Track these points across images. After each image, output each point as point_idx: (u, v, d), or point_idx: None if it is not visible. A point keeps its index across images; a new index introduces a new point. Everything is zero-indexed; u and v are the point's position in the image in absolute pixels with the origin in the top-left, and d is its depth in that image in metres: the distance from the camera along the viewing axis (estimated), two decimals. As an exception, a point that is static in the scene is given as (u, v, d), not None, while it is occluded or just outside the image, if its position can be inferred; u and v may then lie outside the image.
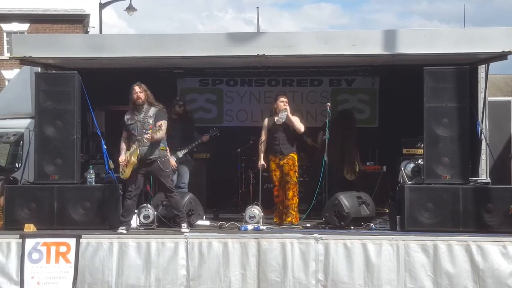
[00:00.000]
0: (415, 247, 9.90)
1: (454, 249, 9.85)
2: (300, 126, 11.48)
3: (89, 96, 11.24)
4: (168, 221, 10.91)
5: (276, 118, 11.57)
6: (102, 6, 31.52)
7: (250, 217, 11.09)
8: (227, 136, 14.12)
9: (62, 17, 41.37)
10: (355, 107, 14.58)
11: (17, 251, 10.12)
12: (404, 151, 13.00)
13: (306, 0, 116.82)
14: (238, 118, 15.17)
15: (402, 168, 11.36)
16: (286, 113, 11.44)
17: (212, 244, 10.09)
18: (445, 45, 10.78)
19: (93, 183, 10.96)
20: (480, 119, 11.35)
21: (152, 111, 10.62)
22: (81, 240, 10.13)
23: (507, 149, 13.38)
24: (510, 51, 10.66)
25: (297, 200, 11.55)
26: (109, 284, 10.08)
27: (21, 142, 13.30)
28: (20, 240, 10.13)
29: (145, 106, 10.62)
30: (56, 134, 10.91)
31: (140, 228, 10.90)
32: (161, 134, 10.49)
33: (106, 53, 11.22)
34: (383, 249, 9.92)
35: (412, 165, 11.36)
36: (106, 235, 10.32)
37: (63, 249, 10.09)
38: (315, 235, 10.11)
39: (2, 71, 40.77)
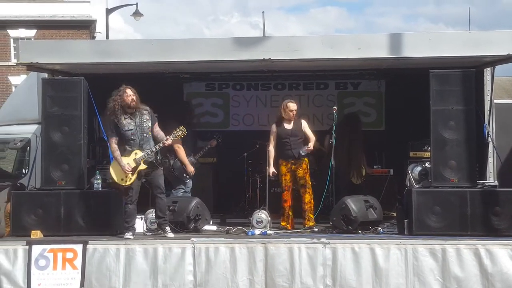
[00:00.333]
0: (424, 251, 9.85)
1: (463, 253, 9.80)
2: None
3: (95, 101, 11.25)
4: (175, 227, 10.88)
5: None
6: (108, 11, 31.58)
7: (257, 222, 11.07)
8: (233, 140, 14.13)
9: (68, 23, 41.47)
10: (361, 110, 14.56)
11: (24, 257, 10.11)
12: (411, 154, 12.96)
13: (312, 4, 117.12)
14: (244, 122, 15.15)
15: (409, 172, 11.32)
16: (306, 148, 11.48)
17: (219, 249, 10.07)
18: (450, 48, 10.75)
19: (100, 189, 10.95)
20: (486, 122, 11.31)
21: (146, 114, 10.56)
22: (87, 246, 10.12)
23: (515, 151, 13.35)
24: (515, 54, 10.64)
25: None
26: (116, 290, 10.08)
27: (28, 148, 13.31)
28: (27, 247, 10.12)
29: (138, 109, 10.55)
30: (63, 139, 10.91)
31: (147, 234, 10.89)
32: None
33: (113, 59, 11.23)
34: (391, 253, 9.88)
35: (419, 168, 11.31)
36: (113, 241, 10.31)
37: (69, 255, 10.07)
38: (322, 239, 10.08)
39: (9, 77, 40.87)
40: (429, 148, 11.07)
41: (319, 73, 13.63)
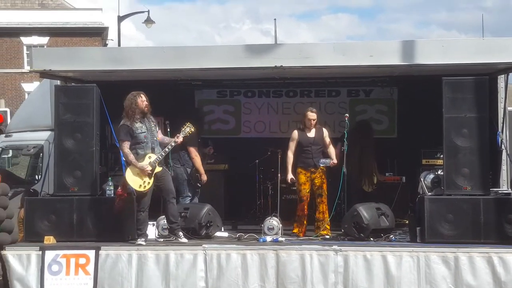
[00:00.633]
0: (436, 259, 9.83)
1: (476, 261, 9.77)
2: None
3: (107, 108, 11.28)
4: (187, 233, 10.89)
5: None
6: (120, 19, 31.70)
7: (269, 229, 11.06)
8: (245, 147, 14.13)
9: (81, 30, 41.66)
10: (373, 117, 14.52)
11: (37, 263, 10.17)
12: (424, 161, 12.92)
13: (324, 11, 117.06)
14: (256, 129, 15.12)
15: (422, 179, 11.30)
16: (331, 162, 11.45)
17: (230, 256, 10.08)
18: (463, 55, 10.72)
19: (112, 195, 10.97)
20: (500, 129, 11.27)
21: (153, 121, 10.68)
22: (100, 252, 10.16)
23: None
24: (529, 61, 10.61)
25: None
26: (128, 296, 10.09)
27: (41, 154, 13.38)
28: (40, 252, 10.17)
29: (147, 115, 10.63)
30: (76, 146, 10.94)
31: (159, 240, 10.90)
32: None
33: (125, 66, 11.27)
34: (403, 261, 9.86)
35: (431, 176, 11.30)
36: (125, 246, 10.35)
37: (82, 261, 10.12)
38: (334, 246, 10.08)
39: (22, 84, 41.07)
40: (441, 156, 11.03)
41: (330, 80, 13.62)
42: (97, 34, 42.48)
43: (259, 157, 13.64)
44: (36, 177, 13.66)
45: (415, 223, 10.61)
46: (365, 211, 10.87)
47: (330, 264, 9.93)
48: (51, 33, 41.41)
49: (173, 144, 10.58)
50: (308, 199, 11.53)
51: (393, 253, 9.92)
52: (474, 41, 11.23)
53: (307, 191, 11.49)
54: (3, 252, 10.31)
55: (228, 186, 13.92)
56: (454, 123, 10.50)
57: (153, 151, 10.50)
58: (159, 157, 10.46)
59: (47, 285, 10.05)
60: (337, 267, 9.93)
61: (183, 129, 10.66)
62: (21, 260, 10.20)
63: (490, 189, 10.71)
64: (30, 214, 10.83)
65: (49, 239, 10.53)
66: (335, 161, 11.45)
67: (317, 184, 11.50)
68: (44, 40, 41.28)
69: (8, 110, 16.27)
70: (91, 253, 10.13)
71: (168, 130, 11.47)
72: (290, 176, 11.52)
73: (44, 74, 11.66)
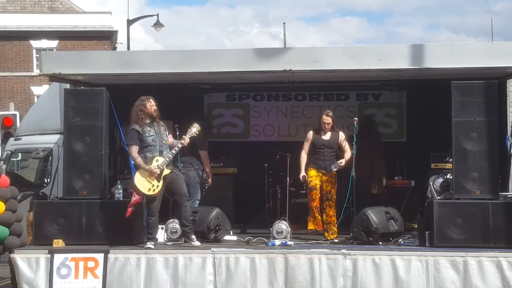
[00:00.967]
0: (445, 263, 9.81)
1: (485, 265, 9.75)
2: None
3: (116, 111, 11.30)
4: (196, 236, 10.88)
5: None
6: (129, 22, 31.75)
7: (278, 232, 11.01)
8: (254, 151, 14.13)
9: (90, 33, 41.78)
10: (382, 121, 14.50)
11: (46, 266, 10.18)
12: (433, 165, 12.90)
13: (332, 14, 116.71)
14: (265, 133, 15.12)
15: (431, 183, 11.27)
16: (338, 164, 11.39)
17: (239, 259, 10.07)
18: (472, 59, 10.70)
19: (121, 198, 10.99)
20: (509, 133, 11.24)
21: (162, 125, 10.71)
22: (109, 255, 10.17)
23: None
24: (539, 65, 10.58)
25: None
26: (137, 299, 10.09)
27: (50, 157, 13.39)
28: (49, 256, 10.19)
29: (156, 120, 10.66)
30: (85, 149, 10.95)
31: (168, 243, 10.90)
32: None
33: (134, 70, 11.28)
34: (412, 265, 9.85)
35: (440, 180, 11.25)
36: (134, 250, 10.36)
37: (91, 264, 10.13)
38: (343, 250, 10.07)
39: (31, 88, 41.19)
40: (450, 160, 10.99)
41: (339, 84, 13.61)
42: (106, 37, 42.57)
43: (268, 160, 13.65)
44: (45, 180, 13.69)
45: (424, 227, 10.58)
46: (374, 215, 10.85)
47: (339, 268, 9.92)
48: (61, 37, 41.53)
49: (179, 146, 10.60)
50: (318, 188, 11.41)
51: (402, 257, 9.91)
52: (483, 45, 11.24)
53: (318, 181, 11.42)
54: (12, 255, 10.34)
55: (237, 190, 13.92)
56: (463, 127, 10.48)
57: (161, 154, 10.51)
58: (166, 160, 10.47)
59: (56, 288, 10.07)
60: (346, 271, 9.92)
61: (189, 129, 10.69)
62: (30, 263, 10.22)
63: (499, 193, 10.67)
64: (39, 217, 10.85)
65: (58, 243, 10.55)
66: (343, 163, 11.35)
67: (327, 189, 11.46)
68: (53, 43, 41.43)
69: (17, 113, 16.33)
70: (100, 257, 10.14)
71: (177, 133, 11.48)
72: (302, 174, 11.51)
73: (54, 78, 11.70)
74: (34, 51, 41.43)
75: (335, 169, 11.45)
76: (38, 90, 38.43)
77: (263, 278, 10.01)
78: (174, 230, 10.92)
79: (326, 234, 11.38)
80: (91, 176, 10.89)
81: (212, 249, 10.24)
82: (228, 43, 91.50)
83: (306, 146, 11.62)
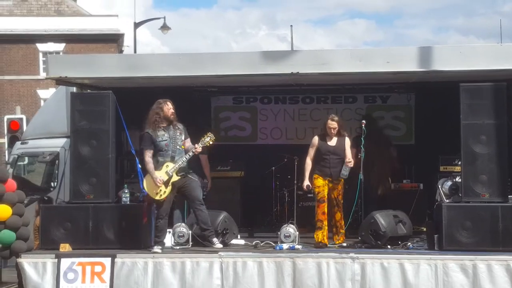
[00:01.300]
0: (454, 266, 9.74)
1: (494, 269, 9.66)
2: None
3: (123, 115, 11.27)
4: (203, 240, 10.85)
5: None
6: (136, 25, 31.77)
7: (285, 236, 10.96)
8: (261, 154, 14.09)
9: (97, 37, 41.79)
10: (390, 124, 14.48)
11: (53, 271, 10.15)
12: (441, 168, 12.81)
13: (340, 16, 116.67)
14: (272, 136, 15.10)
15: (440, 186, 11.21)
16: (347, 164, 11.13)
17: (247, 263, 10.02)
18: (481, 61, 10.62)
19: (128, 202, 10.95)
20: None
21: (179, 129, 10.65)
22: (116, 260, 10.13)
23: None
24: (548, 67, 10.50)
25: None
26: (144, 303, 10.05)
27: (57, 161, 13.39)
28: (56, 260, 10.16)
29: (173, 123, 10.62)
30: (91, 153, 10.92)
31: (175, 248, 10.86)
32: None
33: (141, 73, 11.25)
34: (421, 269, 9.77)
35: (449, 183, 11.20)
36: (141, 254, 10.31)
37: (98, 268, 10.09)
38: (351, 254, 10.01)
39: (38, 91, 41.22)
40: (459, 163, 10.93)
41: (347, 86, 13.57)
42: (113, 40, 42.61)
43: (275, 164, 13.61)
44: (52, 184, 13.67)
45: (433, 231, 10.53)
46: (382, 219, 10.80)
47: (347, 272, 9.86)
48: (67, 40, 41.58)
49: (190, 154, 10.57)
50: (328, 200, 11.15)
51: (411, 261, 9.84)
52: (492, 47, 11.16)
53: (326, 192, 11.12)
54: (19, 260, 10.32)
55: (244, 193, 13.87)
56: (472, 129, 10.41)
57: (172, 160, 10.49)
58: (176, 167, 10.44)
59: (63, 293, 10.04)
60: (354, 275, 9.86)
61: (202, 138, 10.66)
62: (36, 268, 10.19)
63: (509, 196, 10.59)
64: (45, 222, 10.82)
65: (65, 247, 10.52)
66: (350, 164, 11.03)
67: (334, 195, 11.20)
68: (60, 46, 41.46)
69: (24, 117, 16.34)
70: (107, 261, 10.11)
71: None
72: (306, 183, 11.26)
73: (60, 81, 11.67)
74: (41, 55, 41.49)
75: (346, 174, 11.17)
76: (45, 93, 38.43)
77: (270, 282, 9.96)
78: (182, 234, 10.89)
79: (335, 238, 11.29)
80: (97, 180, 10.86)
81: (219, 253, 10.19)
82: (235, 45, 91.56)
83: (311, 152, 11.26)
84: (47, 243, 10.71)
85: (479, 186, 10.35)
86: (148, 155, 10.51)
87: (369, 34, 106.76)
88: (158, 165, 10.48)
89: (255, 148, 14.51)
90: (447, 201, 10.77)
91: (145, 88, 12.16)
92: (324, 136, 11.25)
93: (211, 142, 10.72)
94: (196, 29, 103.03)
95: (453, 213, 10.29)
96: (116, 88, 11.42)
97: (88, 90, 11.98)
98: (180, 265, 10.08)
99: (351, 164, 11.10)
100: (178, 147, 10.57)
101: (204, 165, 12.52)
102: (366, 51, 11.58)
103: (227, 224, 11.17)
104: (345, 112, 14.77)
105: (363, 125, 11.63)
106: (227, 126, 14.91)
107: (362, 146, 11.43)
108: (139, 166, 11.22)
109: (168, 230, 10.91)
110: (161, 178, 10.40)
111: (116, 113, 11.12)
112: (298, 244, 10.81)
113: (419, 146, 14.30)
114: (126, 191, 11.00)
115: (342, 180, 11.23)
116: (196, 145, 10.60)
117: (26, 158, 14.76)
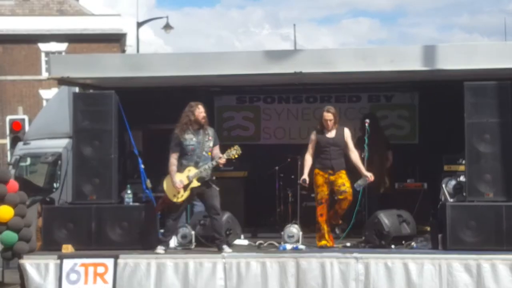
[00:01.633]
0: (458, 266, 9.72)
1: (498, 268, 9.65)
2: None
3: (126, 115, 11.24)
4: (206, 241, 10.82)
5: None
6: (139, 25, 31.77)
7: (289, 236, 10.95)
8: (264, 153, 14.05)
9: (99, 36, 41.85)
10: (394, 123, 14.43)
11: (55, 272, 10.14)
12: (445, 168, 12.73)
13: (344, 15, 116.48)
14: (275, 135, 15.05)
15: (444, 186, 11.18)
16: (366, 182, 11.00)
17: (250, 264, 10.01)
18: (485, 60, 10.59)
19: (131, 203, 10.92)
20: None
21: (209, 134, 10.58)
22: (118, 261, 10.12)
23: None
24: (553, 65, 10.46)
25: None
26: (147, 304, 10.02)
27: (59, 162, 13.37)
28: (58, 261, 10.15)
29: (204, 127, 10.56)
30: (94, 154, 10.90)
31: (178, 248, 10.83)
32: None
33: (144, 73, 11.23)
34: (425, 268, 9.76)
35: (453, 182, 11.15)
36: (144, 255, 10.28)
37: (100, 269, 10.07)
38: (355, 254, 10.00)
39: (40, 91, 41.27)
40: (463, 162, 10.89)
41: (351, 85, 13.53)
42: (115, 40, 42.66)
43: (278, 163, 13.55)
44: (54, 185, 13.65)
45: (437, 230, 10.51)
46: (386, 218, 10.77)
47: (350, 272, 9.85)
48: (70, 40, 41.63)
49: (214, 163, 10.50)
50: (327, 202, 11.04)
51: (415, 261, 9.83)
52: (496, 46, 11.17)
53: (325, 193, 10.94)
54: (21, 261, 10.30)
55: (247, 193, 13.82)
56: (476, 128, 10.39)
57: (196, 165, 10.42)
58: (198, 173, 10.39)
59: (66, 294, 10.02)
60: (358, 275, 9.84)
61: (229, 150, 10.59)
62: (39, 269, 10.18)
63: (513, 196, 10.56)
64: (48, 223, 10.81)
65: (67, 248, 10.50)
66: (371, 178, 10.93)
67: (338, 183, 10.83)
68: (62, 46, 41.51)
69: (26, 117, 16.28)
70: (109, 262, 10.09)
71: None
72: (303, 177, 10.99)
73: (62, 81, 11.67)
74: (43, 54, 41.56)
75: (359, 188, 11.05)
76: (47, 93, 38.49)
77: (274, 283, 9.94)
78: (185, 235, 10.87)
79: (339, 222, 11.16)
80: (100, 181, 10.84)
81: (222, 253, 10.18)
82: (239, 44, 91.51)
83: (310, 148, 11.05)
84: (50, 244, 10.69)
85: (483, 185, 10.33)
86: (174, 157, 10.45)
87: (373, 32, 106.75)
88: (181, 168, 10.43)
89: (258, 148, 14.44)
90: (451, 200, 10.74)
91: (148, 88, 12.14)
92: (322, 129, 11.04)
93: (236, 156, 10.65)
94: (199, 28, 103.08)
95: (457, 212, 10.27)
96: (118, 88, 11.40)
97: (91, 90, 11.98)
98: (183, 265, 10.06)
99: (371, 180, 10.96)
100: (204, 153, 10.49)
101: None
102: (369, 50, 11.57)
103: (230, 225, 11.14)
104: (348, 111, 14.69)
105: (366, 124, 11.59)
106: (230, 126, 14.86)
107: (365, 146, 11.40)
108: (142, 166, 11.21)
109: None
110: (181, 182, 10.36)
111: (119, 113, 11.11)
112: (301, 244, 10.79)
113: (423, 145, 14.24)
114: (129, 191, 10.98)
115: (344, 171, 10.94)
116: (222, 155, 10.51)
117: (28, 159, 14.73)
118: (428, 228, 11.53)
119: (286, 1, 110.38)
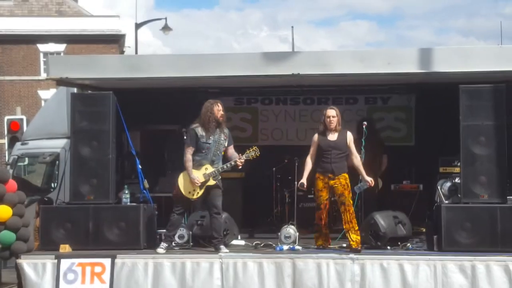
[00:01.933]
0: (453, 267, 9.76)
1: (493, 270, 9.69)
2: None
3: (124, 115, 11.28)
4: (203, 241, 10.86)
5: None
6: (138, 26, 31.78)
7: (286, 237, 10.99)
8: (262, 155, 14.02)
9: (98, 37, 41.73)
10: (391, 125, 14.48)
11: (53, 271, 10.16)
12: (441, 169, 12.79)
13: (342, 17, 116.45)
14: (273, 137, 15.11)
15: (439, 187, 11.24)
16: (366, 185, 10.99)
17: (247, 264, 10.04)
18: (481, 63, 10.65)
19: (128, 203, 10.96)
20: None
21: (225, 134, 10.64)
22: (116, 260, 10.14)
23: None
24: (548, 69, 10.51)
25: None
26: (144, 304, 10.06)
27: (57, 162, 13.40)
28: (56, 261, 10.17)
29: (220, 126, 10.60)
30: (92, 154, 10.93)
31: (175, 248, 10.87)
32: None
33: (142, 74, 11.25)
34: (420, 269, 9.80)
35: (449, 184, 11.22)
36: (141, 255, 10.32)
37: (98, 269, 10.11)
38: (351, 255, 10.04)
39: (38, 92, 41.19)
40: (459, 164, 10.95)
41: (348, 87, 13.58)
42: (114, 41, 42.57)
43: (276, 165, 13.61)
44: (52, 185, 13.68)
45: (432, 232, 10.55)
46: (382, 220, 10.81)
47: (346, 273, 9.88)
48: (68, 40, 41.53)
49: (232, 163, 10.56)
50: (327, 206, 10.97)
51: (410, 262, 9.87)
52: (491, 49, 11.19)
53: (325, 198, 10.85)
54: (19, 260, 10.32)
55: (245, 194, 13.87)
56: (472, 131, 10.44)
57: (212, 163, 10.49)
58: (215, 172, 10.44)
59: (63, 294, 10.05)
60: (353, 275, 9.88)
61: (248, 151, 10.63)
62: (36, 269, 10.20)
63: (508, 197, 10.60)
64: (45, 223, 10.84)
65: (65, 248, 10.53)
66: (372, 183, 10.96)
67: (338, 191, 10.74)
68: (61, 47, 41.43)
69: (24, 117, 16.34)
70: (107, 262, 10.12)
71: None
72: (301, 181, 10.91)
73: (61, 82, 11.69)
74: (42, 55, 41.46)
75: (358, 190, 11.09)
76: (45, 94, 38.43)
77: (270, 283, 9.98)
78: (182, 235, 10.91)
79: (353, 244, 10.56)
80: (98, 181, 10.87)
81: (219, 253, 10.22)
82: (237, 46, 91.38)
83: (312, 150, 10.95)
84: (47, 244, 10.72)
85: (478, 187, 10.38)
86: (189, 152, 10.49)
87: (371, 35, 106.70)
88: (195, 164, 10.47)
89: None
90: (447, 202, 10.80)
91: (146, 89, 12.17)
92: (325, 131, 10.91)
93: (255, 157, 10.67)
94: (197, 30, 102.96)
95: (452, 214, 10.32)
96: (117, 89, 11.42)
97: (89, 91, 11.99)
98: (181, 265, 10.09)
99: (371, 185, 10.99)
100: (219, 152, 10.56)
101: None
102: (367, 52, 11.61)
103: (227, 225, 11.16)
104: (345, 113, 14.66)
105: (364, 126, 11.64)
106: (228, 127, 14.87)
107: (362, 148, 11.44)
108: (140, 167, 11.25)
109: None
110: (199, 179, 10.40)
111: (117, 114, 11.14)
112: (298, 245, 10.84)
113: (419, 147, 14.30)
114: (126, 192, 11.02)
115: (347, 176, 10.81)
116: (241, 155, 10.55)
117: (27, 159, 14.77)
118: (424, 230, 11.59)
119: (285, 3, 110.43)
